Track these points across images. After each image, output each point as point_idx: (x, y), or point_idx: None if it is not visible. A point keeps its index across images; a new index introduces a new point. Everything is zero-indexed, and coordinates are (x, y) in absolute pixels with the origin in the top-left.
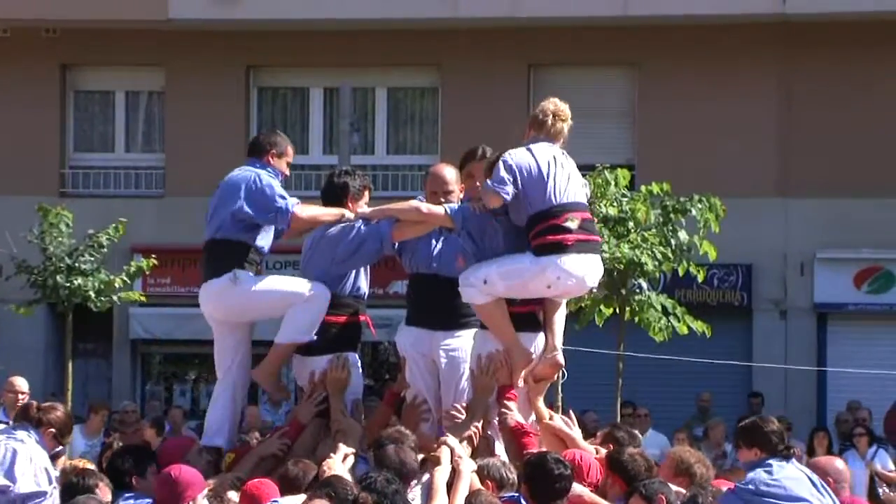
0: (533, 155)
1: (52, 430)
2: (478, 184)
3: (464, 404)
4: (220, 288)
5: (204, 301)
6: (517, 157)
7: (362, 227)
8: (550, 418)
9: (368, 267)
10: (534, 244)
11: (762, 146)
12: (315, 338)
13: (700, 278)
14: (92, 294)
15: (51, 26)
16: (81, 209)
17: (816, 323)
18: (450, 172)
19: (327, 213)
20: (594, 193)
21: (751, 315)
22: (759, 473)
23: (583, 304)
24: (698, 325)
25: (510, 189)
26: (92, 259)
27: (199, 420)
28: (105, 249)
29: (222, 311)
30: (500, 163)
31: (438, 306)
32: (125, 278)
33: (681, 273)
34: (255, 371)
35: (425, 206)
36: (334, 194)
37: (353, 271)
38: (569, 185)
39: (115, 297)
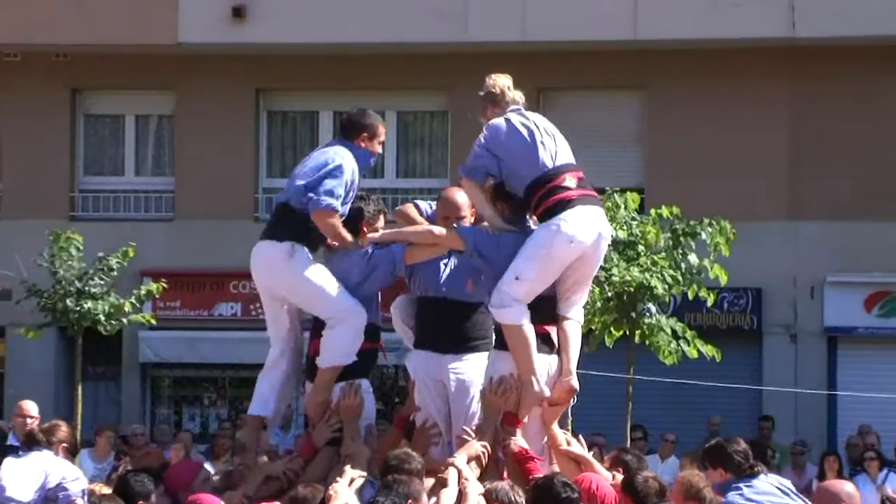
0: (513, 126)
1: (64, 444)
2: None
3: (474, 427)
4: (274, 254)
5: (255, 258)
6: (494, 136)
7: (375, 252)
8: (568, 443)
9: (379, 294)
10: (538, 213)
11: (772, 169)
12: (356, 359)
13: (710, 302)
14: (101, 317)
15: (61, 51)
16: (91, 233)
17: (827, 347)
18: (461, 197)
19: (341, 235)
20: None
21: (761, 339)
22: (733, 497)
23: (592, 327)
24: (708, 349)
25: (483, 171)
26: (102, 282)
27: (209, 443)
28: (115, 273)
29: (265, 275)
30: (475, 147)
31: (447, 329)
32: (135, 302)
33: (690, 296)
34: (306, 403)
35: (437, 229)
36: (349, 220)
37: (367, 299)
38: (557, 147)
39: (124, 321)
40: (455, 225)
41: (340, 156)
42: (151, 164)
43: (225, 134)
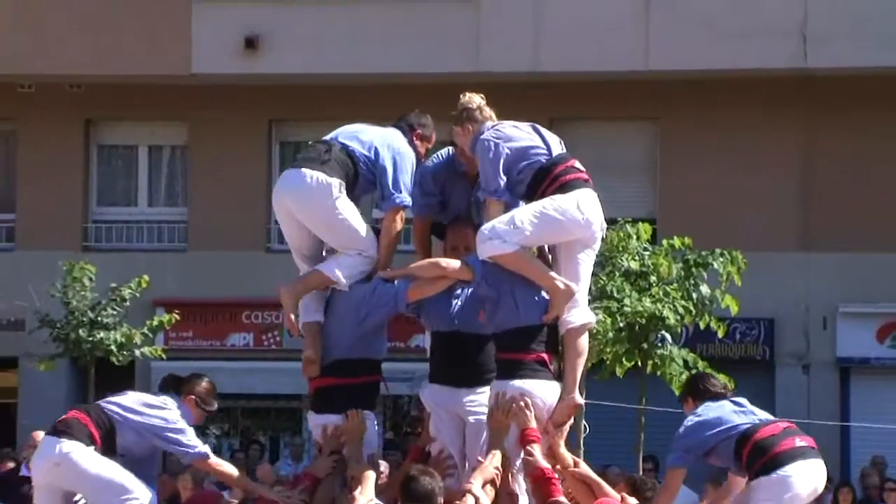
0: (508, 128)
1: (193, 397)
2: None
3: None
4: (319, 184)
5: (293, 182)
6: (502, 146)
7: (379, 288)
8: (576, 465)
9: (386, 326)
10: (552, 190)
11: (784, 200)
12: (348, 287)
13: (722, 332)
14: (114, 348)
15: (75, 81)
16: (104, 263)
17: (839, 377)
18: (470, 228)
19: (396, 238)
20: (616, 247)
21: (773, 369)
22: (688, 418)
23: (604, 358)
24: (720, 380)
25: (505, 185)
26: (114, 313)
27: None
28: (127, 303)
29: (300, 200)
30: (486, 168)
31: (461, 364)
32: (147, 332)
33: (702, 327)
34: (283, 288)
35: (443, 261)
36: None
37: (372, 332)
38: (555, 140)
39: (136, 352)
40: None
41: (407, 148)
42: (164, 194)
43: (238, 164)
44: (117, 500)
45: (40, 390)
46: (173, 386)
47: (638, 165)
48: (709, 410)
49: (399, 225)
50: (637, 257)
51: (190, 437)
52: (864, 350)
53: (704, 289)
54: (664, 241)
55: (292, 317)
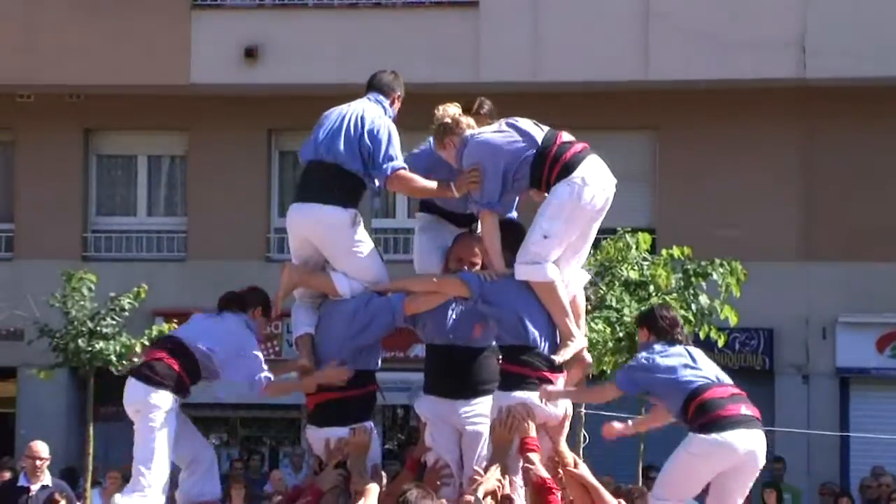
0: (490, 134)
1: (259, 308)
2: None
3: (484, 467)
4: (335, 219)
5: (304, 220)
6: (489, 154)
7: (373, 300)
8: (575, 465)
9: (380, 342)
10: (555, 174)
11: (784, 210)
12: (350, 298)
13: (721, 343)
14: (113, 358)
15: (74, 91)
16: (103, 273)
17: (839, 387)
18: (479, 242)
19: (427, 185)
20: (615, 257)
21: (773, 379)
22: (641, 353)
23: (604, 368)
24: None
25: (497, 195)
26: (114, 323)
27: (220, 484)
28: (126, 313)
29: (320, 238)
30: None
31: (456, 377)
32: (146, 342)
33: (702, 337)
34: (290, 266)
35: (439, 276)
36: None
37: (369, 346)
38: (529, 124)
39: (136, 361)
40: (458, 270)
41: (382, 119)
42: (164, 204)
43: (237, 174)
44: (135, 477)
45: (39, 400)
46: (236, 303)
47: (637, 175)
48: (667, 356)
49: (404, 184)
50: (636, 267)
51: (262, 361)
52: (863, 360)
53: (704, 299)
54: (663, 251)
55: (281, 294)
